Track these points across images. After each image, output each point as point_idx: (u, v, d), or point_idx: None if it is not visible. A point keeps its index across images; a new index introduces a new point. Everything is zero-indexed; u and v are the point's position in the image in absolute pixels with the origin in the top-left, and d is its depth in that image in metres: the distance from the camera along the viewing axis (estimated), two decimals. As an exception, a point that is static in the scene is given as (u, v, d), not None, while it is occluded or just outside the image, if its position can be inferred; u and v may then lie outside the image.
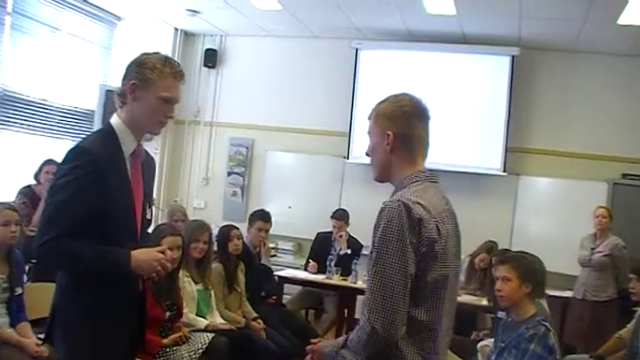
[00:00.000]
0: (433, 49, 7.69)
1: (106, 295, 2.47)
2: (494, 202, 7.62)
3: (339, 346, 2.18)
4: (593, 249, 6.41)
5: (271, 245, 7.88)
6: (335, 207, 7.37)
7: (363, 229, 7.13)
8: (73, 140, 7.70)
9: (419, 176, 2.24)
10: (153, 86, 2.52)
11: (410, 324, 2.07)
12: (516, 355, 3.63)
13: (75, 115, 7.66)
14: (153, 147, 8.30)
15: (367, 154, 2.35)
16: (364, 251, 7.09)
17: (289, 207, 8.14)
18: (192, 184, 8.75)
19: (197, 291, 4.94)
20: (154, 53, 2.63)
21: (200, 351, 4.41)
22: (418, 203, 2.09)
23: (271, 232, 7.98)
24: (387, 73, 7.87)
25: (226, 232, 5.47)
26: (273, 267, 7.26)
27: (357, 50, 7.93)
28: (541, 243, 7.23)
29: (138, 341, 2.78)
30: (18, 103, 6.80)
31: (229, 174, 8.58)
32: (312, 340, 2.45)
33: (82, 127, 7.77)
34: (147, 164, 2.73)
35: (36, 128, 7.01)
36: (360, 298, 6.49)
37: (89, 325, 2.48)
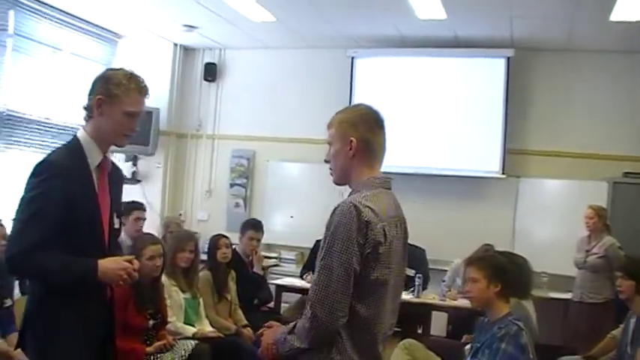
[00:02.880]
0: (428, 54, 7.69)
1: (75, 303, 2.54)
2: (495, 206, 7.55)
3: (287, 332, 2.32)
4: (587, 251, 6.32)
5: (274, 255, 7.95)
6: (336, 215, 7.37)
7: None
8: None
9: (373, 182, 2.38)
10: (119, 102, 2.64)
11: (353, 316, 2.24)
12: (489, 355, 3.62)
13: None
14: (155, 162, 8.45)
15: (326, 161, 2.49)
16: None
17: (291, 216, 8.17)
18: (195, 197, 8.81)
19: (185, 299, 5.01)
20: (119, 69, 2.75)
21: (183, 358, 4.47)
22: (368, 207, 2.23)
23: (274, 241, 8.04)
24: (383, 80, 7.90)
25: (215, 241, 5.55)
26: (275, 276, 7.31)
27: (352, 59, 7.94)
28: (544, 245, 7.24)
29: (108, 349, 2.82)
30: (21, 122, 6.96)
31: (232, 185, 8.63)
32: (267, 324, 2.55)
33: (84, 144, 7.90)
34: (114, 175, 2.83)
35: (39, 147, 7.11)
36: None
37: (59, 333, 2.55)
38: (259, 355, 2.54)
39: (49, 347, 2.57)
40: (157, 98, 8.25)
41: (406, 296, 6.24)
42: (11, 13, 6.76)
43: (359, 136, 2.37)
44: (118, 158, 8.28)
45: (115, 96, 2.64)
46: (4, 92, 6.69)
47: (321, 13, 6.95)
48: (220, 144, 8.78)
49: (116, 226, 2.82)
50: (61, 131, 7.44)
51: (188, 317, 5.01)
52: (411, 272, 6.50)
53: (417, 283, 6.22)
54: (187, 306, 5.02)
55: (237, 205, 8.56)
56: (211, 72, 8.72)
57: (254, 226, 6.21)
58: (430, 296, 6.31)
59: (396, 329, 6.18)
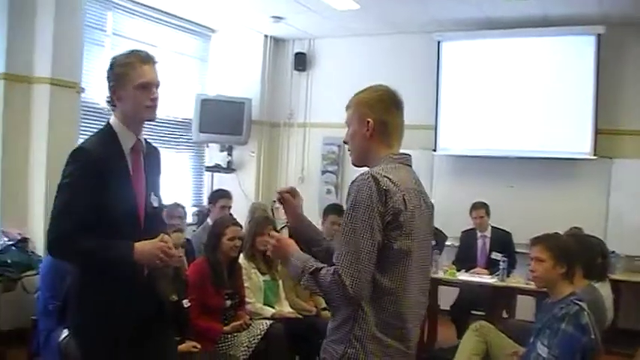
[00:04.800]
0: (514, 35, 7.54)
1: (111, 283, 2.65)
2: (586, 188, 7.31)
3: (309, 271, 2.26)
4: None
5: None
6: (426, 200, 7.36)
7: (450, 220, 7.12)
8: (175, 148, 8.25)
9: (391, 158, 2.38)
10: (128, 79, 2.70)
11: (376, 289, 2.23)
12: (549, 335, 3.59)
13: (175, 125, 8.19)
14: (249, 150, 8.72)
15: (345, 142, 2.51)
16: (447, 242, 7.07)
17: (381, 202, 8.23)
18: (289, 184, 8.99)
19: (264, 282, 5.18)
20: (121, 53, 2.81)
21: (259, 337, 4.60)
22: (386, 177, 2.24)
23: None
24: (471, 62, 7.84)
25: (294, 226, 5.69)
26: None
27: (439, 43, 7.92)
28: (639, 228, 6.94)
29: (152, 327, 2.91)
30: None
31: (323, 172, 8.81)
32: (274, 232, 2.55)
33: (181, 135, 8.30)
34: (151, 156, 2.92)
35: (141, 139, 7.53)
36: (440, 288, 6.49)
37: (94, 310, 2.69)
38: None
39: (85, 323, 2.73)
40: (250, 89, 8.57)
41: (491, 280, 6.20)
42: (109, 14, 7.21)
43: (375, 117, 2.38)
44: (212, 148, 8.65)
45: (122, 75, 2.71)
46: (105, 90, 7.09)
47: (404, -3, 6.98)
48: (312, 132, 8.97)
49: (155, 205, 2.88)
50: (159, 124, 7.86)
51: (267, 299, 5.17)
52: (497, 256, 6.45)
53: (501, 267, 6.13)
54: (267, 288, 5.18)
55: (328, 191, 8.71)
56: (301, 61, 8.93)
57: (336, 210, 6.31)
58: (515, 280, 6.22)
59: (480, 313, 6.23)
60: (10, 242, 5.29)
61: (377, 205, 2.19)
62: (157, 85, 2.78)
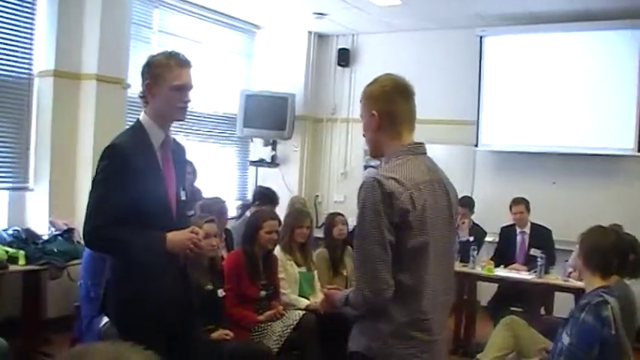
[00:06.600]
0: (557, 30, 7.45)
1: (150, 271, 2.79)
2: (630, 184, 7.21)
3: (343, 303, 2.45)
4: None
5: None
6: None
7: (491, 215, 7.11)
8: (220, 143, 8.42)
9: (400, 151, 2.41)
10: (164, 80, 2.83)
11: (397, 287, 2.29)
12: (571, 325, 3.58)
13: (220, 120, 8.36)
14: (293, 145, 8.84)
15: (364, 135, 2.57)
16: (488, 238, 7.07)
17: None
18: (332, 179, 9.14)
19: (300, 273, 5.28)
20: (159, 53, 2.95)
21: (291, 327, 4.70)
22: (392, 178, 2.28)
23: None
24: (513, 58, 7.78)
25: (331, 219, 5.78)
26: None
27: (481, 38, 7.89)
28: (686, 226, 6.79)
29: (189, 312, 3.06)
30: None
31: (365, 167, 8.82)
32: (329, 287, 2.69)
33: (226, 130, 8.47)
34: (177, 151, 3.05)
35: (188, 134, 7.65)
36: (480, 284, 6.50)
37: (136, 297, 2.80)
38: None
39: (127, 310, 2.84)
40: (293, 84, 8.68)
41: (528, 276, 6.18)
42: (156, 11, 7.40)
43: (379, 108, 2.42)
44: (257, 143, 8.80)
45: (159, 76, 2.83)
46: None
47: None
48: (355, 127, 8.94)
49: (183, 198, 3.02)
50: (205, 119, 8.05)
51: (303, 290, 5.26)
52: (536, 252, 6.42)
53: (539, 264, 6.10)
54: (302, 279, 5.28)
55: (371, 186, 8.75)
56: (344, 57, 9.01)
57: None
58: (553, 277, 6.18)
59: (518, 309, 6.20)
60: (57, 232, 5.51)
61: (383, 208, 2.24)
62: (190, 89, 2.91)
